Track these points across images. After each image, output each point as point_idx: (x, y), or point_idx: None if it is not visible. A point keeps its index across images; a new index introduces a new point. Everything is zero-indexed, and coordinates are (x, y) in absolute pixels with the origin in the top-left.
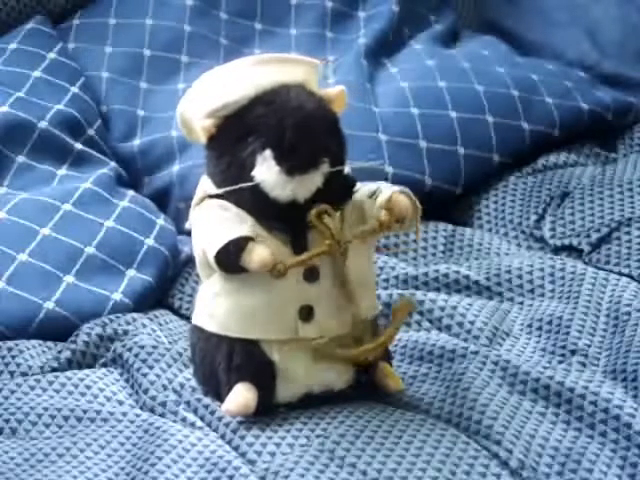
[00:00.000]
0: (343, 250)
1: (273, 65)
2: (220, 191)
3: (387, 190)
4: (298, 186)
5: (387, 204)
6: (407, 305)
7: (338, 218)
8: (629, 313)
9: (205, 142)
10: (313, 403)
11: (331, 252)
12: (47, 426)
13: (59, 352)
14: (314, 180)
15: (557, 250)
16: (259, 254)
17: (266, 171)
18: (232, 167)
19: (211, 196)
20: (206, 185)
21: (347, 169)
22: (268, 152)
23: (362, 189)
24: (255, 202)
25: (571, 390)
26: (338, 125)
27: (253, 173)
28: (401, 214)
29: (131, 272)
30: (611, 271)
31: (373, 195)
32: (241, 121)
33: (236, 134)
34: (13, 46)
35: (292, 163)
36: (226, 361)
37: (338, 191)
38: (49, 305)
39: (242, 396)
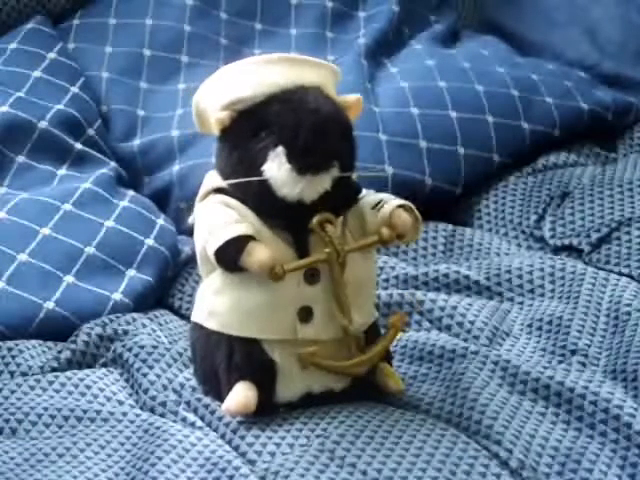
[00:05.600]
0: (342, 260)
1: (293, 65)
2: (227, 183)
3: (390, 203)
4: (307, 186)
5: (389, 220)
6: (400, 320)
7: (340, 225)
8: (629, 313)
9: (218, 134)
10: (313, 403)
11: (330, 261)
12: (47, 426)
13: (59, 352)
14: (323, 182)
15: (557, 250)
16: (258, 255)
17: (276, 168)
18: (243, 161)
19: (217, 190)
20: (213, 180)
21: (354, 176)
22: (281, 149)
23: (366, 198)
24: (261, 198)
25: (571, 390)
26: (352, 132)
27: (263, 168)
28: (402, 231)
29: (131, 272)
30: (611, 271)
31: (376, 207)
32: (256, 116)
33: (250, 129)
34: (13, 46)
35: (304, 163)
36: (226, 360)
37: (344, 196)
38: (49, 305)
39: (242, 395)
